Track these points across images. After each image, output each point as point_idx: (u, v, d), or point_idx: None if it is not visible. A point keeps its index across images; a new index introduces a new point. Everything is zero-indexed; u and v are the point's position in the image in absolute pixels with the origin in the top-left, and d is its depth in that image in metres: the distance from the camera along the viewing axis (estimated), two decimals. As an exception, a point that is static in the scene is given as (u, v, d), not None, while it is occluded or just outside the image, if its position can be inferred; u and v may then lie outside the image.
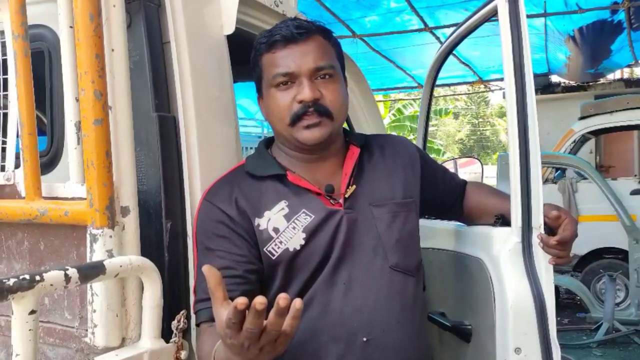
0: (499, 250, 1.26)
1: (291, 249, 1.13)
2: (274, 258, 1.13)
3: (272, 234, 1.14)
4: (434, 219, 1.68)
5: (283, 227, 1.14)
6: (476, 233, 1.41)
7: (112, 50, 1.14)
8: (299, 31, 1.15)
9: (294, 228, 1.14)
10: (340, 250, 1.14)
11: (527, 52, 1.22)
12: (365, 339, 1.12)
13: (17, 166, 1.26)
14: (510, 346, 1.18)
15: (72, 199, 1.17)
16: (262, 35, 1.20)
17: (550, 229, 1.21)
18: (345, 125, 2.07)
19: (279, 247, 1.13)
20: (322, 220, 1.15)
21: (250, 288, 1.10)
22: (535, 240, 1.20)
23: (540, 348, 1.16)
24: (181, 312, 1.19)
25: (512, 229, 1.23)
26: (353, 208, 1.18)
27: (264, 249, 1.14)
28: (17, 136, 1.24)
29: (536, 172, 1.20)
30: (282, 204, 1.16)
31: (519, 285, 1.20)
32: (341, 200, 1.18)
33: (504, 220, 1.30)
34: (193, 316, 1.18)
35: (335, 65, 1.19)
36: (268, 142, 1.31)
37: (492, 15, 1.38)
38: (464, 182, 1.50)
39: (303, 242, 1.13)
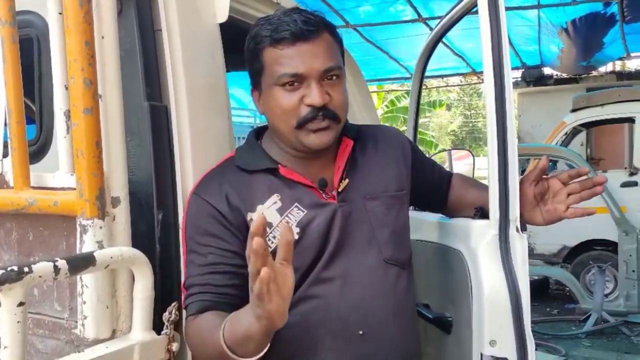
0: (477, 242, 1.25)
1: None
2: None
3: (265, 228, 1.12)
4: (420, 210, 1.68)
5: (276, 222, 1.12)
6: (457, 225, 1.41)
7: (102, 37, 1.12)
8: (309, 28, 1.08)
9: (287, 222, 1.12)
10: (334, 244, 1.13)
11: (505, 46, 1.19)
12: (361, 332, 1.12)
13: (5, 155, 1.24)
14: (485, 338, 1.18)
15: (62, 189, 1.15)
16: (262, 26, 1.11)
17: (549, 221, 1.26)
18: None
19: (272, 242, 1.10)
20: (316, 214, 1.13)
21: (241, 282, 1.07)
22: (513, 233, 1.20)
23: (515, 341, 1.16)
24: (173, 304, 1.18)
25: (490, 221, 1.23)
26: (347, 201, 1.17)
27: None
28: (5, 124, 1.21)
29: (513, 164, 1.19)
30: (275, 197, 1.14)
31: (495, 277, 1.19)
32: (334, 194, 1.17)
33: (483, 213, 1.30)
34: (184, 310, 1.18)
35: (341, 64, 1.15)
36: (258, 133, 1.27)
37: (473, 6, 1.36)
38: (450, 174, 1.49)
39: (297, 237, 1.10)
